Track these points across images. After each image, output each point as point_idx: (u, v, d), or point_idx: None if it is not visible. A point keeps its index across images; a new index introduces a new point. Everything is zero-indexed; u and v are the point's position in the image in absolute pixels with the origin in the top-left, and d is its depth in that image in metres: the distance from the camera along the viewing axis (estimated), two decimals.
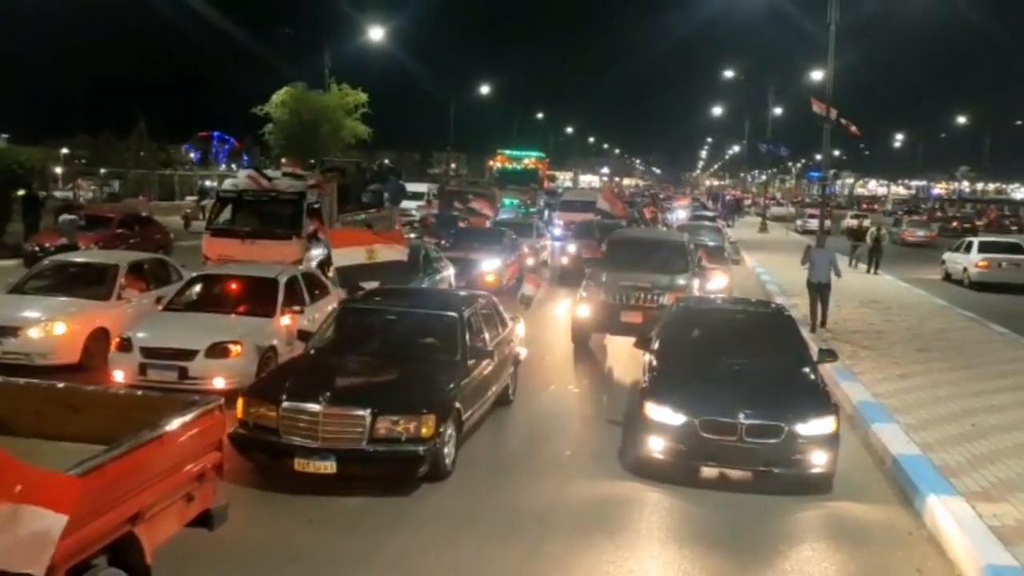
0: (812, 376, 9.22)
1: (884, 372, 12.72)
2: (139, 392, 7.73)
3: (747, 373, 9.19)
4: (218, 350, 10.53)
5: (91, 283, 12.80)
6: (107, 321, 11.96)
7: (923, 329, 16.88)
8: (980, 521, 7.12)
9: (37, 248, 20.29)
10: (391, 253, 12.66)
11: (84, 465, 4.64)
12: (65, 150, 59.13)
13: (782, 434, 8.13)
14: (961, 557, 6.77)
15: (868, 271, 26.95)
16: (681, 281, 14.86)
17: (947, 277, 27.59)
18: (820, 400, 8.65)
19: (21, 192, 23.37)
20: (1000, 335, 16.68)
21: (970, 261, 26.34)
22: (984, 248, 26.82)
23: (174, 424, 5.53)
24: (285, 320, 11.64)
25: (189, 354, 10.44)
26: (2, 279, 13.38)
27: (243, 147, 62.44)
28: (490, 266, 19.70)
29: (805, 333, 12.60)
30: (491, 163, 60.35)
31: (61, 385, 6.98)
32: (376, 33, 40.56)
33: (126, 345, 10.70)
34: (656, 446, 8.45)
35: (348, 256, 12.28)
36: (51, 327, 11.56)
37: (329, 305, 12.26)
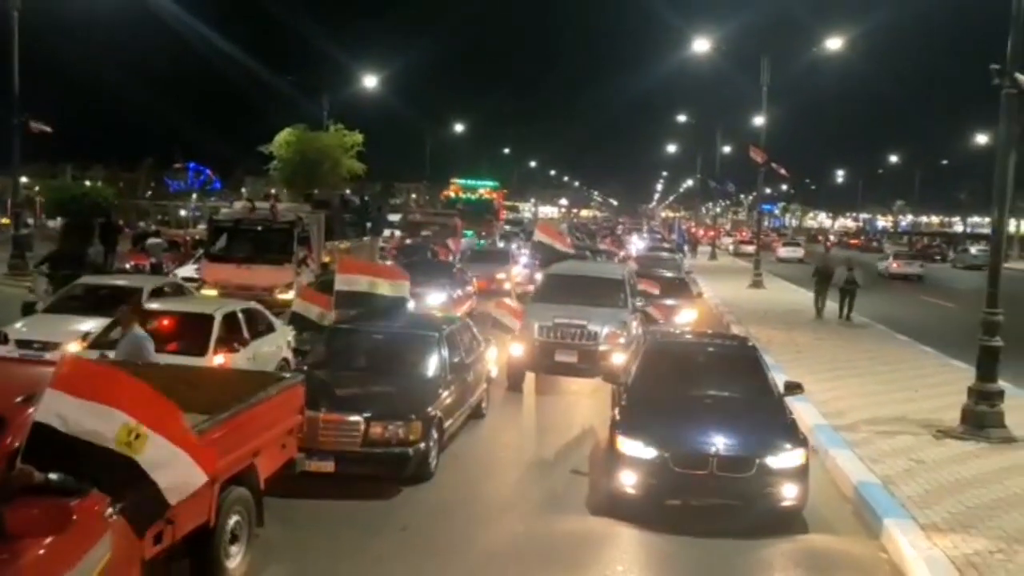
0: (780, 408, 9.34)
1: (786, 349, 18.16)
2: (241, 369, 9.70)
3: (717, 406, 9.28)
4: None
5: (119, 304, 12.84)
6: None
7: (824, 328, 22.45)
8: (817, 412, 12.41)
9: (128, 267, 24.91)
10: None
11: (230, 411, 6.50)
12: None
13: (753, 467, 8.16)
14: (809, 426, 11.96)
15: (841, 317, 23.29)
16: (620, 318, 14.42)
17: None
18: (789, 432, 8.72)
19: (100, 220, 28.00)
20: (880, 330, 22.47)
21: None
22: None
23: (275, 390, 7.37)
24: (218, 359, 11.25)
25: None
26: None
27: (216, 177, 66.72)
28: (435, 300, 19.43)
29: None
30: (444, 193, 58.45)
31: (181, 366, 8.74)
32: (365, 78, 45.61)
33: None
34: (627, 480, 8.41)
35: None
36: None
37: (276, 342, 12.44)
